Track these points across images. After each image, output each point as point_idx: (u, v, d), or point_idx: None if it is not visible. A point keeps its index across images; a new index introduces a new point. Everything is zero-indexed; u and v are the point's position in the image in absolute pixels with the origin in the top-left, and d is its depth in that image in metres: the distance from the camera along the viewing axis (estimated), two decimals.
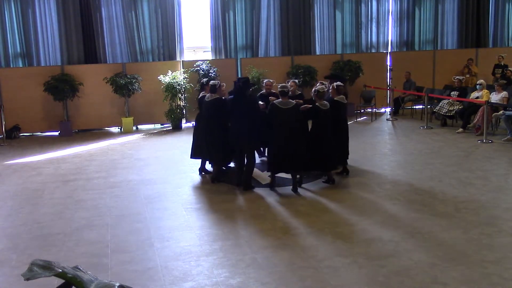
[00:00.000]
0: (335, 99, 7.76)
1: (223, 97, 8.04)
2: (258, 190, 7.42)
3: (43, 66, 13.37)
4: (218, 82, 8.12)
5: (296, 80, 9.27)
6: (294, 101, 7.32)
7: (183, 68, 13.74)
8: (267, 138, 7.46)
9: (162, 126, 13.96)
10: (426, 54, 15.63)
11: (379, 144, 10.55)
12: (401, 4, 15.69)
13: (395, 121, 13.33)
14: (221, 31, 14.35)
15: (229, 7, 14.37)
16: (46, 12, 13.37)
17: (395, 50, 15.77)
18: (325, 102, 7.44)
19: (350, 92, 14.57)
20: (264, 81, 9.22)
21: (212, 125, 7.84)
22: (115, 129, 13.76)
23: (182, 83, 13.23)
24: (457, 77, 12.60)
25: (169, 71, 13.18)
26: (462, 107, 11.79)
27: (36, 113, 13.15)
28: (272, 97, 8.23)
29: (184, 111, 13.64)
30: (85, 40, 13.63)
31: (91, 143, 11.74)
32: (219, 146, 7.80)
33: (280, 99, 7.28)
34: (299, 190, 7.38)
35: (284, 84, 7.50)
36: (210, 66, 13.44)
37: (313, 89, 7.54)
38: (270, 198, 7.07)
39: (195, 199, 7.19)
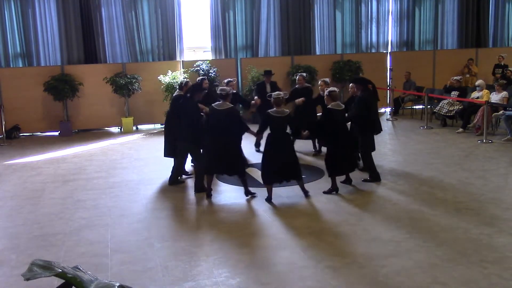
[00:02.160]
0: (328, 107, 7.21)
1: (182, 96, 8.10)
2: (257, 191, 7.41)
3: (43, 66, 13.37)
4: (184, 81, 8.47)
5: (327, 80, 9.13)
6: (231, 105, 7.12)
7: (183, 68, 13.74)
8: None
9: (162, 126, 13.93)
10: (426, 54, 15.62)
11: (379, 144, 10.50)
12: (401, 4, 15.68)
13: (395, 121, 13.33)
14: (221, 31, 14.35)
15: (229, 7, 14.37)
16: (46, 12, 13.37)
17: (395, 50, 15.76)
18: (283, 110, 6.92)
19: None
20: (297, 76, 9.34)
21: (170, 120, 8.26)
22: (115, 129, 13.75)
23: None
24: (455, 77, 12.58)
25: (169, 71, 13.17)
26: (462, 107, 11.79)
27: (36, 113, 13.14)
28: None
29: None
30: (85, 40, 13.63)
31: (91, 143, 11.74)
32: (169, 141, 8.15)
33: (220, 102, 7.10)
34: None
35: (223, 87, 7.36)
36: (210, 66, 13.44)
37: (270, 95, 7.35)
38: None
39: (195, 199, 7.18)
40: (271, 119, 6.85)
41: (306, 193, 7.06)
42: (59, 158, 10.19)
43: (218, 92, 7.28)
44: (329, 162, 7.24)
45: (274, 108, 6.90)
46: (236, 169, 7.11)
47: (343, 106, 7.33)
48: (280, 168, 6.84)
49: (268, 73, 9.88)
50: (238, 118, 7.24)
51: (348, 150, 7.29)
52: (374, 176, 7.69)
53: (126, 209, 6.79)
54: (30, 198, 7.44)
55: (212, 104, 7.20)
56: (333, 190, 7.17)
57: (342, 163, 7.22)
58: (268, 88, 9.71)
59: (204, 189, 7.35)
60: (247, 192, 7.15)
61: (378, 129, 8.00)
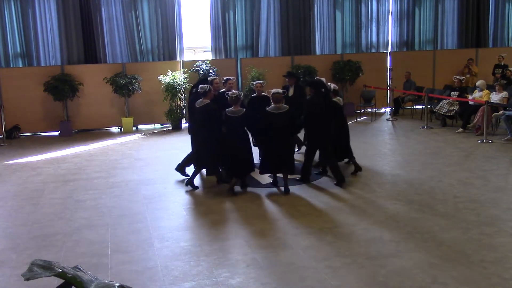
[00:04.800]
0: (266, 108, 7.28)
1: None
2: (257, 190, 7.41)
3: (43, 66, 13.37)
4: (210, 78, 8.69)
5: (262, 82, 9.08)
6: (208, 101, 7.36)
7: (183, 68, 13.74)
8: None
9: (162, 126, 13.95)
10: (426, 54, 15.62)
11: (379, 144, 10.54)
12: (401, 4, 15.68)
13: (395, 121, 13.33)
14: (221, 31, 14.35)
15: (229, 7, 14.37)
16: (46, 12, 13.37)
17: (395, 50, 15.76)
18: (240, 109, 7.18)
19: (350, 92, 14.62)
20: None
21: None
22: (115, 129, 13.76)
23: (182, 83, 13.23)
24: (458, 77, 12.61)
25: (169, 71, 13.18)
26: (463, 106, 11.77)
27: (36, 113, 13.15)
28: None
29: (184, 111, 13.63)
30: (85, 40, 13.63)
31: (91, 143, 11.74)
32: None
33: (201, 99, 7.44)
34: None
35: (202, 85, 7.50)
36: (210, 66, 13.44)
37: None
38: (270, 198, 7.07)
39: (195, 199, 7.18)
40: (226, 118, 7.19)
41: (240, 187, 7.43)
42: (59, 158, 10.19)
43: (198, 90, 7.50)
44: (261, 161, 7.50)
45: (232, 108, 7.18)
46: (204, 164, 7.58)
47: (285, 109, 7.16)
48: (237, 165, 7.24)
49: (290, 75, 9.52)
50: (213, 114, 7.36)
51: (281, 152, 7.19)
52: (338, 180, 7.57)
53: (126, 209, 6.79)
54: (30, 198, 7.44)
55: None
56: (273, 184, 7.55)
57: (271, 163, 7.29)
58: (291, 91, 9.29)
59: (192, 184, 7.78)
60: (219, 180, 7.73)
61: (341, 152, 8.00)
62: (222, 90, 8.68)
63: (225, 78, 8.93)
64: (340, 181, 7.54)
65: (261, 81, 9.12)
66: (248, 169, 7.42)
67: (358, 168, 8.16)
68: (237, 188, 7.42)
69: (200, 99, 7.42)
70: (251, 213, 6.47)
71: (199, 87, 7.49)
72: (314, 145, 7.66)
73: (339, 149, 7.94)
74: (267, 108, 7.27)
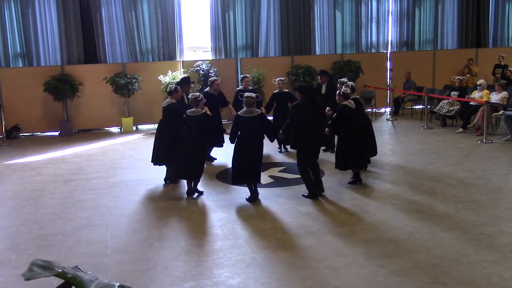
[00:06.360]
0: (237, 113, 7.09)
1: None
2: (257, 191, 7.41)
3: (43, 66, 13.37)
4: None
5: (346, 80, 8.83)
6: (173, 101, 7.59)
7: (183, 68, 13.74)
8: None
9: None
10: (426, 54, 15.62)
11: (379, 144, 10.48)
12: (401, 4, 15.68)
13: (395, 121, 13.33)
14: (221, 31, 14.35)
15: (229, 7, 14.37)
16: (46, 12, 13.37)
17: (395, 50, 15.76)
18: (199, 110, 7.10)
19: None
20: (341, 79, 9.05)
21: None
22: (115, 129, 13.75)
23: None
24: (458, 77, 12.61)
25: (169, 71, 13.17)
26: (464, 106, 11.77)
27: (36, 113, 13.14)
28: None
29: None
30: (85, 40, 13.63)
31: (91, 143, 11.73)
32: None
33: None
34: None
35: (171, 85, 7.68)
36: (210, 66, 13.44)
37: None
38: (270, 198, 7.06)
39: (194, 199, 7.18)
40: (186, 118, 7.27)
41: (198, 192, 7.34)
42: (59, 158, 10.18)
43: (167, 89, 7.66)
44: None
45: (193, 109, 7.22)
46: (164, 161, 7.88)
47: (256, 113, 6.85)
48: (183, 166, 7.20)
49: (323, 73, 9.53)
50: (173, 114, 7.54)
51: (248, 159, 6.82)
52: (311, 193, 6.98)
53: (126, 209, 6.79)
54: (30, 198, 7.44)
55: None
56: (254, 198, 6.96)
57: (239, 171, 6.92)
58: (324, 89, 9.40)
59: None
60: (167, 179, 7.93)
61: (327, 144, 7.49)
62: (239, 88, 9.62)
63: (242, 76, 9.65)
64: (310, 196, 6.97)
65: (282, 78, 9.60)
66: (193, 172, 7.19)
67: (358, 179, 7.60)
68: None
69: (168, 99, 7.58)
70: (251, 213, 6.47)
71: (168, 87, 7.66)
72: (306, 151, 6.98)
73: (348, 156, 7.39)
74: (238, 112, 7.07)
